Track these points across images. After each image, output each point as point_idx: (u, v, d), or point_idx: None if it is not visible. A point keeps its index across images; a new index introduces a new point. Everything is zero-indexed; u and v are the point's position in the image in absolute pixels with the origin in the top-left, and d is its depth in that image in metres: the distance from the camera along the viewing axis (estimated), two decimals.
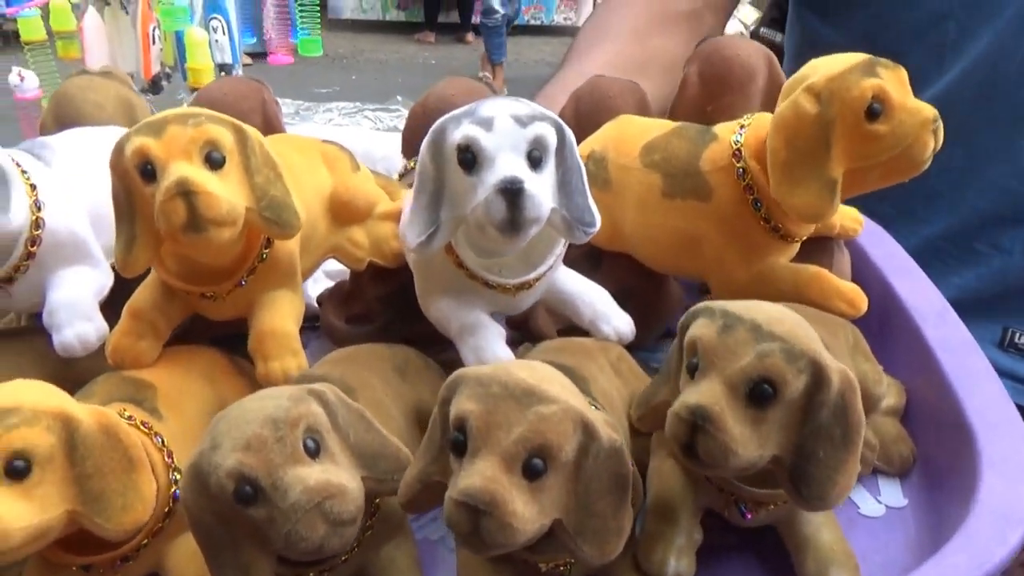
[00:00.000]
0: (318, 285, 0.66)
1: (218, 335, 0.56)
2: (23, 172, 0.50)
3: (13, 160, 0.49)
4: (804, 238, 0.52)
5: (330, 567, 0.41)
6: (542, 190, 0.41)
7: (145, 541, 0.43)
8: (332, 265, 0.62)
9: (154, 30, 1.59)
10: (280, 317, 0.50)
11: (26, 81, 1.64)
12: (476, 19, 5.94)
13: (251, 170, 0.45)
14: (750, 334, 0.36)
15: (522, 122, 0.41)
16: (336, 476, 0.35)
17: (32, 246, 0.50)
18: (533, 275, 0.49)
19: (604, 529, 0.36)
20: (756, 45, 0.62)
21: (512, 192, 0.40)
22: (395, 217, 0.59)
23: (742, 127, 0.50)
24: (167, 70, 1.74)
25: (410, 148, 0.71)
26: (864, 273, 0.60)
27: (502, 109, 0.42)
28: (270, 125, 0.64)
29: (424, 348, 0.55)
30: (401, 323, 0.59)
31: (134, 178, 0.43)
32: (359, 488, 0.36)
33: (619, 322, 0.51)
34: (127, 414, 0.44)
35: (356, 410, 0.40)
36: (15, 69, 1.63)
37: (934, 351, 0.51)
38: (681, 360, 0.39)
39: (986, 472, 0.42)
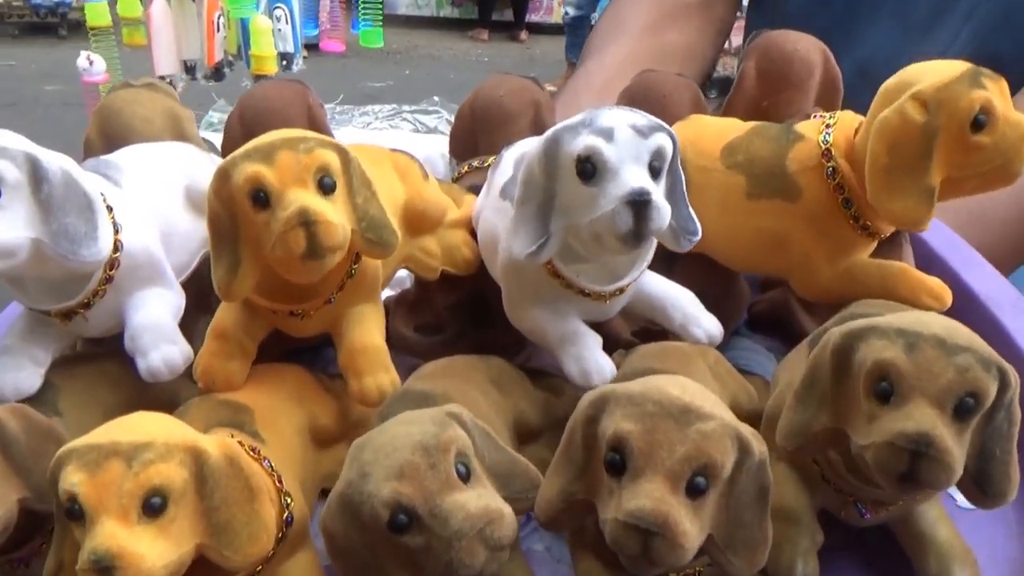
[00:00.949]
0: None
1: (288, 349, 0.56)
2: (100, 194, 0.48)
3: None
4: (888, 234, 0.52)
5: None
6: (664, 201, 0.41)
7: (259, 568, 0.42)
8: None
9: (219, 18, 1.58)
10: (368, 333, 0.49)
11: (95, 65, 1.61)
12: (531, 17, 6.16)
13: (353, 191, 0.44)
14: (938, 350, 0.36)
15: (643, 133, 0.41)
16: (493, 500, 0.34)
17: (111, 269, 0.48)
18: (627, 281, 0.49)
19: (752, 540, 0.36)
20: (812, 39, 0.62)
21: (640, 204, 0.40)
22: (465, 224, 0.58)
23: (828, 126, 0.50)
24: (230, 58, 1.73)
25: (459, 148, 0.70)
26: (930, 265, 0.61)
27: (621, 119, 0.41)
28: (317, 130, 0.63)
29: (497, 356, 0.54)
30: (473, 332, 0.58)
31: (242, 204, 0.42)
32: (511, 511, 0.35)
33: (709, 324, 0.51)
34: (237, 439, 0.43)
35: (483, 429, 0.39)
36: (84, 53, 1.60)
37: (1018, 341, 0.51)
38: (835, 382, 0.38)
39: None
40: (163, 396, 0.51)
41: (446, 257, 0.57)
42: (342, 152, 0.44)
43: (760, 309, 0.64)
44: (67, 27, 5.38)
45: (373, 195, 0.46)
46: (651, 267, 0.55)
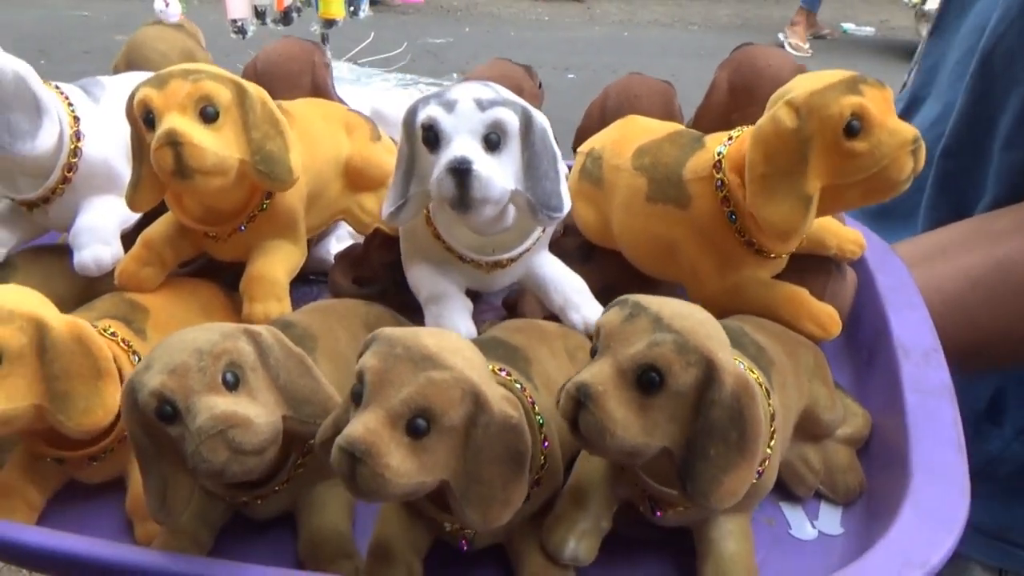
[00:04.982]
0: (341, 244, 0.70)
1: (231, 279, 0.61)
2: (69, 104, 0.55)
3: (62, 93, 0.55)
4: (783, 255, 0.51)
5: (262, 495, 0.45)
6: (496, 172, 0.43)
7: (112, 447, 0.47)
8: None
9: None
10: (271, 264, 0.53)
11: (171, 7, 1.78)
12: None
13: (249, 125, 0.49)
14: (649, 324, 0.37)
15: (482, 106, 0.43)
16: (245, 409, 0.38)
17: (68, 172, 0.55)
18: (506, 256, 0.51)
19: (490, 497, 0.38)
20: (789, 58, 0.62)
21: (461, 172, 0.42)
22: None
23: (730, 138, 0.50)
24: (299, 3, 1.86)
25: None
26: (867, 302, 0.59)
27: (467, 92, 0.44)
28: (317, 86, 0.68)
29: (414, 315, 0.57)
30: (398, 290, 0.62)
31: (140, 125, 0.48)
32: (269, 424, 0.39)
33: (588, 311, 0.52)
34: (111, 330, 0.48)
35: (296, 355, 0.43)
36: None
37: (904, 389, 0.50)
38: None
39: (906, 513, 0.41)
40: (104, 290, 0.58)
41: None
42: (237, 88, 0.49)
43: None
44: None
45: (278, 134, 0.50)
46: (568, 256, 0.57)
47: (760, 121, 0.46)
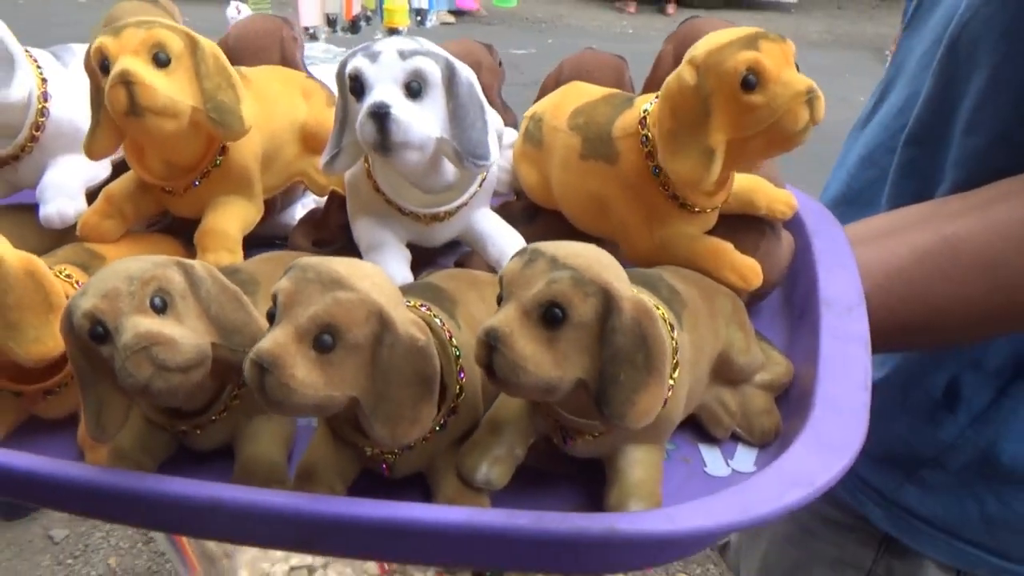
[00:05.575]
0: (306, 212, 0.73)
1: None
2: (38, 67, 0.58)
3: (31, 55, 0.58)
4: (708, 209, 0.54)
5: (200, 424, 0.47)
6: (417, 118, 0.46)
7: (66, 382, 0.50)
8: None
9: None
10: (225, 218, 0.56)
11: (242, 14, 1.87)
12: None
13: (201, 75, 0.52)
14: (547, 265, 0.39)
15: (404, 55, 0.46)
16: (170, 330, 0.41)
17: (36, 131, 0.59)
18: (443, 208, 0.54)
19: (398, 415, 0.40)
20: (734, 29, 0.64)
21: (380, 116, 0.45)
22: None
23: (656, 97, 0.53)
24: (368, 12, 1.93)
25: None
26: (803, 265, 0.61)
27: (391, 45, 0.47)
28: (286, 59, 0.71)
29: None
30: (351, 250, 0.65)
31: (95, 72, 0.51)
32: (194, 346, 0.41)
33: None
34: (66, 272, 0.51)
35: (231, 291, 0.45)
36: (233, 3, 1.85)
37: (821, 336, 0.52)
38: None
39: (801, 441, 0.44)
40: (68, 242, 0.61)
41: (339, 179, 0.64)
42: (190, 39, 0.52)
43: None
44: None
45: (230, 86, 0.53)
46: (513, 218, 0.60)
47: (667, 79, 0.49)
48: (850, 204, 0.79)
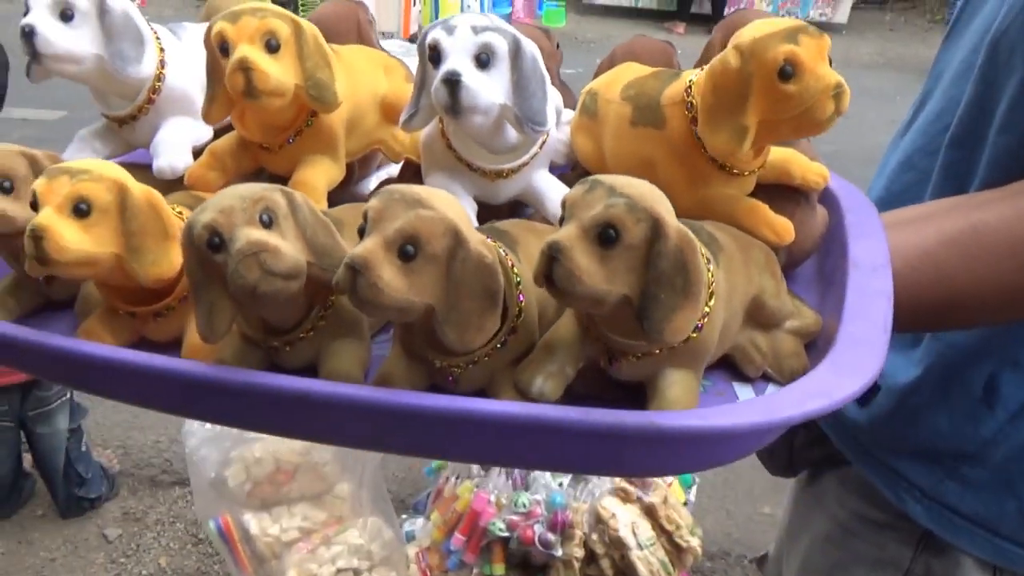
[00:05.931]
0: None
1: None
2: (157, 38, 0.67)
3: (153, 29, 0.67)
4: (746, 172, 0.59)
5: (290, 341, 0.54)
6: (484, 86, 0.53)
7: (173, 304, 0.58)
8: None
9: None
10: (314, 173, 0.64)
11: None
12: (729, 10, 6.09)
13: (303, 57, 0.59)
14: (605, 192, 0.45)
15: (476, 30, 0.53)
16: (276, 241, 0.48)
17: (153, 94, 0.67)
18: (509, 165, 0.60)
19: (467, 323, 0.47)
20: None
21: (452, 83, 0.52)
22: None
23: (702, 69, 0.59)
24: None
25: None
26: (835, 236, 0.67)
27: (466, 20, 0.54)
28: (363, 39, 0.79)
29: None
30: None
31: (214, 52, 0.59)
32: (295, 257, 0.48)
33: None
34: (178, 210, 0.59)
35: (323, 220, 0.52)
36: None
37: (847, 290, 0.57)
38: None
39: (822, 367, 0.49)
40: (176, 191, 0.69)
41: (413, 148, 0.71)
42: (295, 25, 0.60)
43: None
44: None
45: (326, 64, 0.61)
46: (568, 183, 0.66)
47: (713, 59, 0.55)
48: (889, 206, 0.82)
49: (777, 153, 0.63)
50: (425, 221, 0.45)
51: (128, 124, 0.68)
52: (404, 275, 0.45)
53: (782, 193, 0.65)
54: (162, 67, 0.67)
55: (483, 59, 0.54)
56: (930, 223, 0.68)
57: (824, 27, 6.60)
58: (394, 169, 0.80)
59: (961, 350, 0.73)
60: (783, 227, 0.58)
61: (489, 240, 0.51)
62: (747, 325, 0.56)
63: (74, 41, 0.63)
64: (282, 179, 0.67)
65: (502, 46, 0.54)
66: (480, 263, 0.46)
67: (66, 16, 0.63)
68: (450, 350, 0.49)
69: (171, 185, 0.67)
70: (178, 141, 0.67)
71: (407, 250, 0.45)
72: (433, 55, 0.54)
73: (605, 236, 0.45)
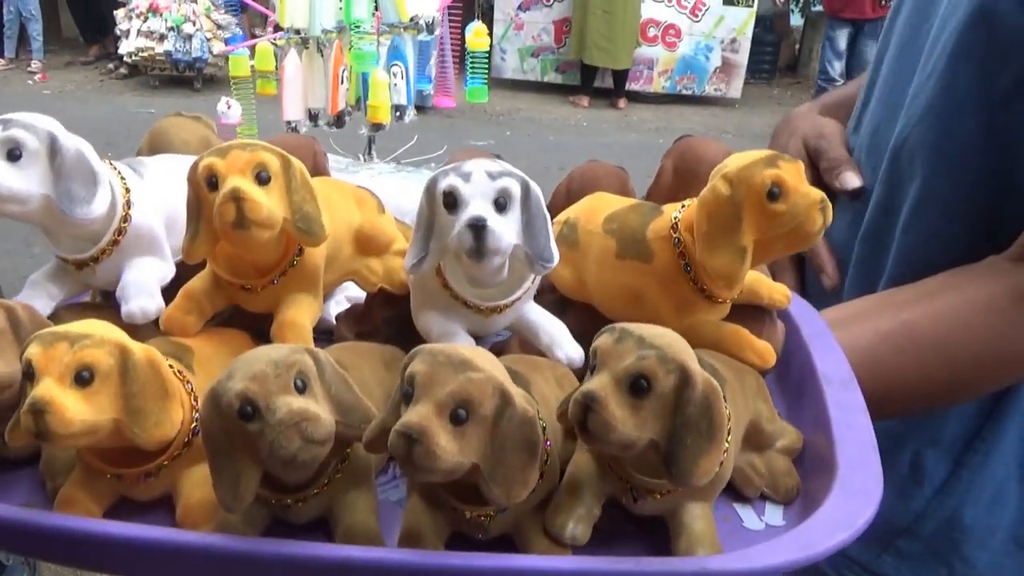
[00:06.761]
0: (339, 308, 0.79)
1: (255, 330, 0.70)
2: (122, 178, 0.64)
3: (115, 168, 0.64)
4: (728, 299, 0.63)
5: (303, 497, 0.52)
6: (505, 229, 0.54)
7: (166, 463, 0.55)
8: (353, 291, 0.76)
9: (343, 72, 1.85)
10: (299, 312, 0.62)
11: (232, 109, 1.93)
12: (630, 86, 6.58)
13: (291, 190, 0.59)
14: (635, 343, 0.47)
15: (492, 176, 0.55)
16: (315, 408, 0.47)
17: (118, 235, 0.64)
18: (504, 301, 0.61)
19: (511, 478, 0.47)
20: (722, 146, 0.75)
21: (478, 227, 0.53)
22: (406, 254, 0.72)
23: (683, 207, 0.62)
24: (350, 108, 2.03)
25: None
26: (794, 347, 0.71)
27: (479, 166, 0.55)
28: (318, 170, 0.79)
29: None
30: (398, 340, 0.71)
31: (202, 187, 0.57)
32: (330, 422, 0.47)
33: (570, 349, 0.63)
34: (168, 362, 0.56)
35: (341, 374, 0.52)
36: (223, 99, 1.91)
37: (828, 408, 0.61)
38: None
39: (836, 492, 0.52)
40: (147, 336, 0.65)
41: (386, 277, 0.71)
42: (284, 159, 0.59)
43: None
44: (201, 81, 6.54)
45: (312, 198, 0.60)
46: (547, 309, 0.68)
47: (703, 191, 0.59)
48: (814, 296, 0.89)
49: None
50: (476, 384, 0.45)
51: (88, 266, 0.64)
52: (455, 439, 0.45)
53: (748, 312, 0.69)
54: (128, 207, 0.64)
55: (501, 203, 0.55)
56: (864, 322, 0.74)
57: (719, 101, 6.99)
58: (351, 290, 0.79)
59: (887, 433, 0.80)
60: (765, 350, 0.62)
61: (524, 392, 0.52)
62: (744, 448, 0.59)
63: (20, 181, 0.59)
64: (259, 316, 0.66)
65: (516, 190, 0.56)
66: (525, 419, 0.47)
67: (13, 156, 0.60)
68: (486, 502, 0.49)
69: (135, 331, 0.64)
70: (147, 282, 0.64)
71: (459, 414, 0.45)
72: (449, 200, 0.55)
73: (637, 386, 0.47)
